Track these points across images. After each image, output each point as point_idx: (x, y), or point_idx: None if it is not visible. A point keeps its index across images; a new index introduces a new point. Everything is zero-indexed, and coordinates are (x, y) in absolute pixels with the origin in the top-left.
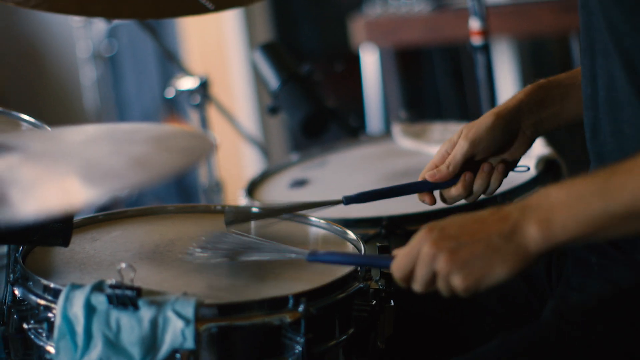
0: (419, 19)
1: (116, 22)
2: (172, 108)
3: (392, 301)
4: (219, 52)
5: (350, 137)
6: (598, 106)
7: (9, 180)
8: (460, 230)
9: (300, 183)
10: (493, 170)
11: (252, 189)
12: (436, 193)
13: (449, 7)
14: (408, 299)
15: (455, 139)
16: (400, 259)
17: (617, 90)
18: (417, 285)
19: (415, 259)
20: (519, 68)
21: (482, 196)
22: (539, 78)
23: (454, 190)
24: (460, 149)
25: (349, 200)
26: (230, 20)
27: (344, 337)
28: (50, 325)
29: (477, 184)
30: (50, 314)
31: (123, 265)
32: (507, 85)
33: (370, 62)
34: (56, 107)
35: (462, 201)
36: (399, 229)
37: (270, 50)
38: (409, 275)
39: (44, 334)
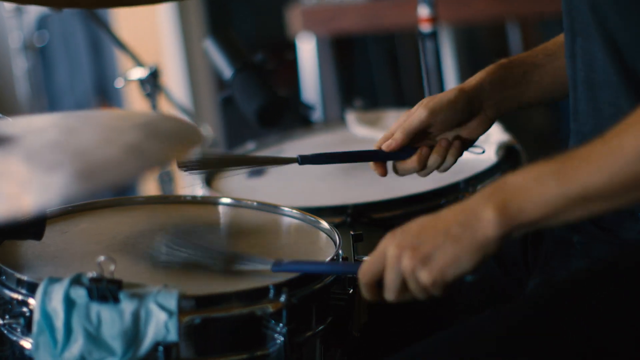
0: (355, 7)
1: (47, 12)
2: (105, 98)
3: None
4: (153, 42)
5: (303, 125)
6: (577, 87)
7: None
8: (421, 228)
9: (258, 172)
10: (450, 146)
11: (210, 178)
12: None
13: None
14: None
15: (415, 109)
16: (367, 265)
17: (596, 70)
18: (389, 293)
19: (382, 264)
20: (455, 56)
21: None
22: (478, 65)
23: (409, 163)
24: (417, 116)
25: (304, 159)
26: (163, 9)
27: (322, 326)
28: (27, 320)
29: (432, 159)
30: (25, 309)
31: (102, 257)
32: (448, 72)
33: (307, 51)
34: None
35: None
36: (364, 217)
37: (222, 39)
38: (378, 282)
39: (18, 329)
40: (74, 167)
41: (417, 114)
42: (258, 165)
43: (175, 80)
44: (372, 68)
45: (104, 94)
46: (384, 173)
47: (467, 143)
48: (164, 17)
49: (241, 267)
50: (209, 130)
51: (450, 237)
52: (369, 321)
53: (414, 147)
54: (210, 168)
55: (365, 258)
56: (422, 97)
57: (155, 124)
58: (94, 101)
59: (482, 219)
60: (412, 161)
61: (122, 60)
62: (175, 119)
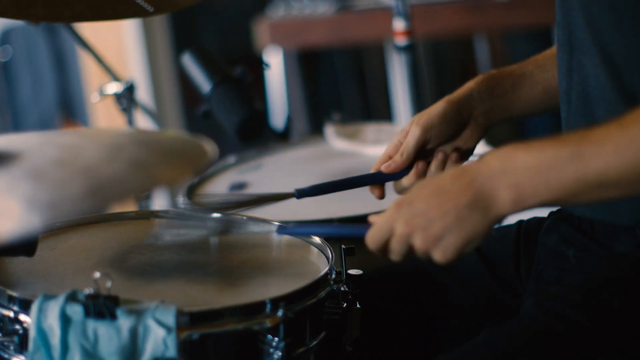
0: (323, 21)
1: (10, 26)
2: (69, 114)
3: (358, 303)
4: (118, 57)
5: (280, 139)
6: (572, 101)
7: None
8: (427, 205)
9: (239, 186)
10: (446, 158)
11: (190, 192)
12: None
13: (353, 9)
14: (374, 300)
15: (408, 127)
16: (375, 233)
17: (593, 86)
18: (394, 257)
19: (389, 235)
20: (424, 68)
21: None
22: (448, 81)
23: (406, 180)
24: (412, 136)
25: (301, 193)
26: (128, 24)
27: (317, 340)
28: (20, 338)
29: (431, 173)
30: (18, 326)
31: (98, 274)
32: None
33: (274, 64)
34: None
35: None
36: None
37: (200, 53)
38: (385, 247)
39: (12, 347)
40: (83, 184)
41: (411, 133)
42: (256, 205)
43: (140, 96)
44: (339, 82)
45: (68, 109)
46: (382, 196)
47: (465, 153)
48: (129, 32)
49: (247, 231)
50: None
51: (460, 218)
52: (360, 336)
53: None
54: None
55: (372, 219)
56: (389, 111)
57: (158, 140)
58: (58, 116)
59: (495, 200)
60: (410, 177)
61: (86, 75)
62: (176, 135)
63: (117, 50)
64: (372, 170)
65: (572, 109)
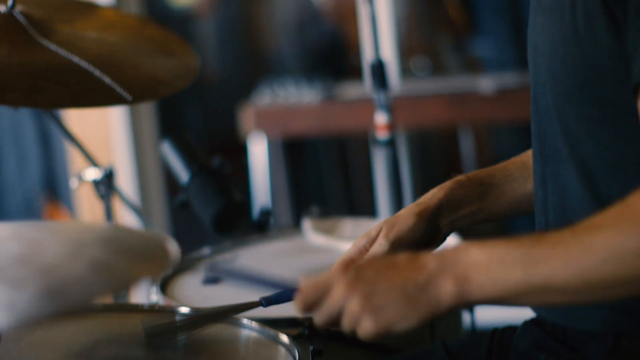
0: (308, 110)
1: None
2: (53, 195)
3: None
4: (104, 142)
5: (259, 232)
6: (549, 211)
7: None
8: (376, 275)
9: (214, 280)
10: None
11: (164, 285)
12: None
13: (339, 98)
14: None
15: (374, 235)
16: (310, 287)
17: (569, 195)
18: (320, 317)
19: (324, 295)
20: (408, 161)
21: None
22: (433, 174)
23: None
24: (380, 248)
25: (268, 301)
26: (115, 109)
27: None
28: None
29: None
30: None
31: None
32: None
33: (258, 152)
34: None
35: None
36: (323, 329)
37: (179, 142)
38: (312, 305)
39: None
40: (40, 285)
41: (379, 245)
42: (225, 317)
43: (125, 182)
44: (323, 171)
45: (53, 190)
46: None
47: None
48: (115, 117)
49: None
50: (176, 247)
51: (405, 296)
52: None
53: None
54: (178, 332)
55: (304, 280)
56: (372, 202)
57: (123, 238)
58: (42, 197)
59: (440, 287)
60: None
61: (72, 156)
62: (143, 233)
63: (103, 134)
64: (332, 270)
65: (549, 220)
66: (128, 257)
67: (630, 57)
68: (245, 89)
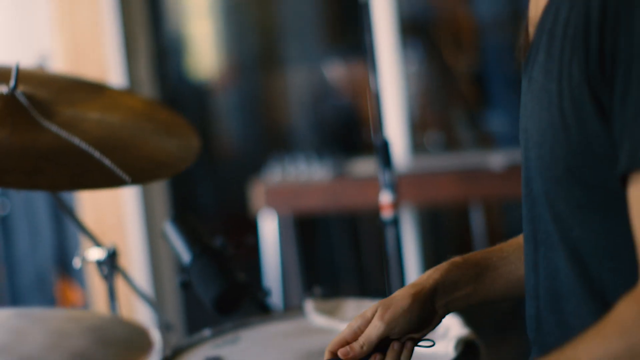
0: (319, 186)
1: None
2: (65, 270)
3: None
4: (116, 221)
5: (262, 312)
6: (540, 296)
7: None
8: None
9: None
10: (402, 347)
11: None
12: None
13: (349, 175)
14: None
15: (369, 316)
16: None
17: (561, 280)
18: None
19: None
20: (419, 237)
21: None
22: (444, 251)
23: None
24: (375, 330)
25: None
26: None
27: None
28: None
29: None
30: None
31: None
32: (410, 255)
33: (269, 229)
34: None
35: None
36: None
37: (181, 223)
38: None
39: None
40: None
41: (374, 327)
42: None
43: (136, 261)
44: (334, 248)
45: (65, 265)
46: None
47: (417, 341)
48: (127, 195)
49: None
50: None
51: None
52: None
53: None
54: None
55: None
56: (384, 283)
57: (105, 328)
58: (54, 273)
59: None
60: None
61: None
62: (127, 323)
63: (115, 214)
64: (326, 351)
65: (540, 305)
66: (109, 347)
67: (617, 144)
68: (257, 163)
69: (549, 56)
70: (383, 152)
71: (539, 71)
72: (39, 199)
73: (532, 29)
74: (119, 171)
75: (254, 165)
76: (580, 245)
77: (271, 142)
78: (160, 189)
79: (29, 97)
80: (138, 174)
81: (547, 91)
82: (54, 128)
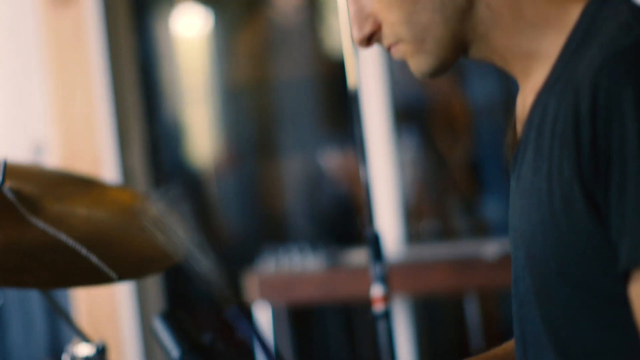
0: (312, 278)
1: None
2: None
3: None
4: (109, 315)
5: None
6: None
7: None
8: None
9: None
10: None
11: None
12: None
13: (343, 266)
14: None
15: None
16: None
17: None
18: None
19: None
20: (413, 327)
21: None
22: (439, 341)
23: None
24: None
25: None
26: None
27: None
28: None
29: None
30: None
31: None
32: (404, 345)
33: (262, 320)
34: None
35: None
36: None
37: (170, 319)
38: None
39: None
40: None
41: None
42: None
43: (130, 356)
44: (329, 339)
45: (58, 357)
46: None
47: None
48: (121, 289)
49: None
50: None
51: None
52: None
53: None
54: None
55: None
56: None
57: None
58: None
59: None
60: None
61: (78, 322)
62: None
63: (110, 306)
64: None
65: None
66: None
67: (616, 242)
68: (251, 253)
69: (538, 154)
70: (373, 244)
71: (528, 169)
72: (33, 292)
73: (519, 127)
74: (105, 268)
75: (248, 256)
76: (570, 347)
77: (265, 232)
78: (154, 282)
79: (16, 192)
80: (126, 271)
81: (537, 189)
82: (40, 224)
